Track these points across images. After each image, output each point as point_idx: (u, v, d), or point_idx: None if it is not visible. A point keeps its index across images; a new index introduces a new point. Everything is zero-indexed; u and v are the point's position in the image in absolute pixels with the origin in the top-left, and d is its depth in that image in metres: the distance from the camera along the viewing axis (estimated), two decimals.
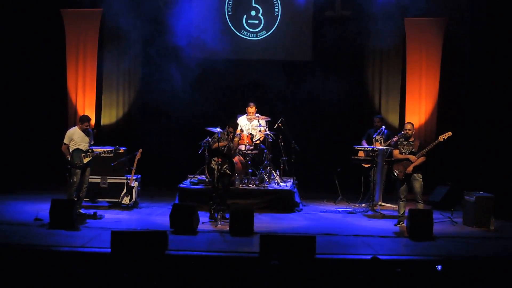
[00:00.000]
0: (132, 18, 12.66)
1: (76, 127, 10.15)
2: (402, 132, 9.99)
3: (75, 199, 9.76)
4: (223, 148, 9.78)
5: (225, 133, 9.87)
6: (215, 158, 9.78)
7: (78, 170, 9.91)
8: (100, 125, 13.40)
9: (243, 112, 11.75)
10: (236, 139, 9.91)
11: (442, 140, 9.71)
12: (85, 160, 9.93)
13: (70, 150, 9.91)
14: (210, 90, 13.47)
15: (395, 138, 10.69)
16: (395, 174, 9.77)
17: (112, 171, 10.84)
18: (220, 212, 9.73)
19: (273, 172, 11.39)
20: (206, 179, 10.85)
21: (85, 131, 9.98)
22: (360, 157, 11.08)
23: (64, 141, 9.99)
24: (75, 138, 9.94)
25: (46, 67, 13.21)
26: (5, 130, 12.94)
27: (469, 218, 9.93)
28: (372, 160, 10.91)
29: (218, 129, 9.90)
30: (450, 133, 9.73)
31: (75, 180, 9.89)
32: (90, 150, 9.95)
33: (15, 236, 8.51)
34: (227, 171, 9.76)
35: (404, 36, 13.10)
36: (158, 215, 10.31)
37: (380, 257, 6.90)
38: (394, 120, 13.32)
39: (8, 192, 11.75)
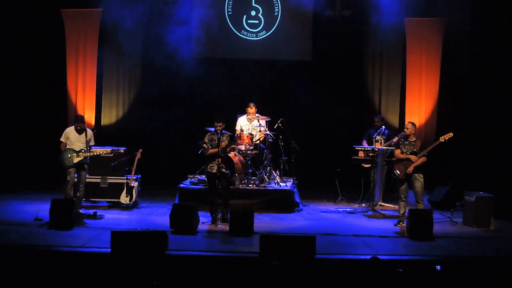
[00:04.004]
0: (132, 18, 12.63)
1: (73, 126, 10.13)
2: (403, 132, 10.02)
3: (73, 198, 9.74)
4: (220, 153, 9.70)
5: (216, 132, 9.75)
6: (215, 160, 9.72)
7: (71, 170, 9.88)
8: (100, 125, 13.38)
9: (243, 112, 11.75)
10: (224, 143, 9.74)
11: (444, 141, 9.71)
12: (75, 160, 9.87)
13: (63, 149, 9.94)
14: (210, 90, 13.45)
15: (395, 139, 10.69)
16: (396, 173, 9.78)
17: (112, 171, 10.84)
18: (222, 213, 9.71)
19: (273, 172, 11.39)
20: (206, 179, 10.84)
21: (80, 131, 9.95)
22: (360, 157, 11.08)
23: (61, 139, 10.00)
24: (71, 137, 9.93)
25: (46, 67, 13.21)
26: (5, 130, 12.94)
27: (469, 218, 9.93)
28: (372, 160, 10.91)
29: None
30: (451, 134, 9.72)
31: (68, 179, 9.88)
32: (82, 150, 9.92)
33: (15, 236, 8.51)
34: (223, 170, 9.72)
35: (404, 36, 13.09)
36: (158, 215, 10.31)
37: (380, 257, 6.89)
38: (394, 120, 13.31)
39: (8, 192, 11.74)
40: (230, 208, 9.41)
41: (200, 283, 6.53)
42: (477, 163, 12.27)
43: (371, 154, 10.88)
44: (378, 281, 6.09)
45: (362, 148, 11.10)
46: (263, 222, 9.89)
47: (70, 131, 10.01)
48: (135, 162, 10.69)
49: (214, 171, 9.70)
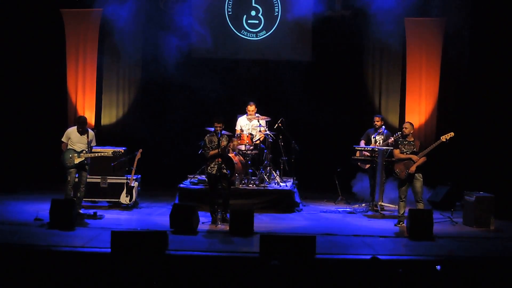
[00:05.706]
0: (132, 18, 12.65)
1: (75, 127, 10.14)
2: (401, 132, 10.02)
3: (74, 199, 9.74)
4: (220, 152, 9.69)
5: (215, 133, 9.73)
6: (215, 160, 9.71)
7: (72, 170, 9.88)
8: (100, 125, 13.39)
9: (243, 112, 11.75)
10: (224, 143, 9.74)
11: (445, 140, 9.71)
12: (77, 161, 9.87)
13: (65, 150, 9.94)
14: (210, 90, 13.42)
15: (391, 140, 10.68)
16: (397, 173, 9.77)
17: (112, 171, 10.84)
18: (222, 213, 9.71)
19: (273, 172, 11.39)
20: (206, 180, 10.84)
21: (82, 132, 9.95)
22: (359, 157, 11.07)
23: (62, 139, 10.00)
24: (73, 137, 9.93)
25: (46, 67, 13.21)
26: (6, 130, 12.94)
27: (469, 218, 9.93)
28: (371, 160, 10.88)
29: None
30: (452, 134, 9.72)
31: (69, 179, 9.88)
32: (83, 151, 9.92)
33: (15, 236, 8.51)
34: (224, 170, 9.71)
35: (404, 36, 13.10)
36: (158, 215, 10.32)
37: (380, 257, 6.90)
38: (394, 120, 13.32)
39: (8, 192, 11.75)
40: (230, 208, 9.41)
41: (200, 283, 6.53)
42: (477, 163, 12.27)
43: (365, 154, 10.87)
44: (378, 281, 6.09)
45: (362, 148, 11.09)
46: (263, 222, 9.90)
47: (72, 131, 10.01)
48: (135, 162, 10.69)
49: (215, 172, 9.69)
